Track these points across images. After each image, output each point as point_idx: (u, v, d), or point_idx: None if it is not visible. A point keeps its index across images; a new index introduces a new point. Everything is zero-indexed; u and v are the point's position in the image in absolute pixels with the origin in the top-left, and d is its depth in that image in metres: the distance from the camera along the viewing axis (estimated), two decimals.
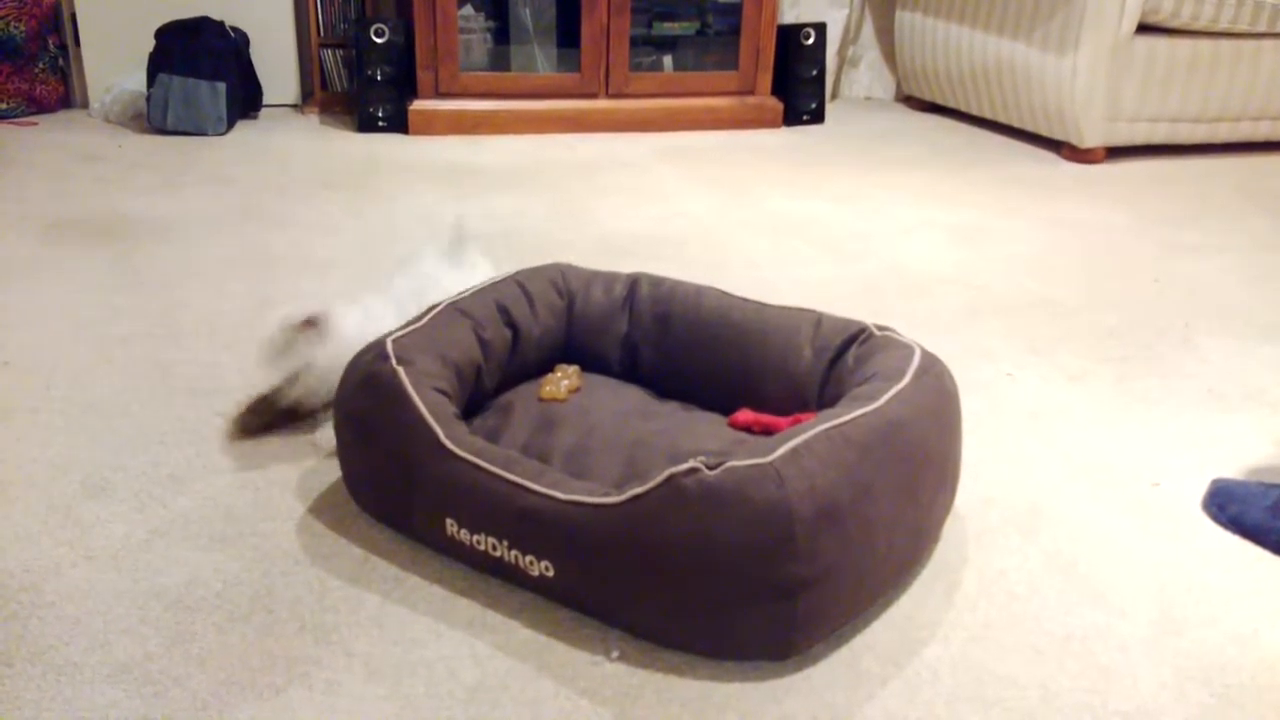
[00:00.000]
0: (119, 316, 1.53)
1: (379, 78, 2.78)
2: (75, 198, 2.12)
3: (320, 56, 3.01)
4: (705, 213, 2.18)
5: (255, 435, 1.17)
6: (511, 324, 1.20)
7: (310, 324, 1.14)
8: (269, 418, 1.18)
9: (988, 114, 3.06)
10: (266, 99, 3.02)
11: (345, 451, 1.04)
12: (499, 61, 2.97)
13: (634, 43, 2.96)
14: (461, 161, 2.56)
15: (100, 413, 1.23)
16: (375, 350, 1.05)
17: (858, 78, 3.65)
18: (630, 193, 2.32)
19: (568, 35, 2.94)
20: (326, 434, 1.14)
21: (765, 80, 3.07)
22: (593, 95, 2.95)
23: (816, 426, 0.88)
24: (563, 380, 1.19)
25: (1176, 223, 2.23)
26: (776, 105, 3.10)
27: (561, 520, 0.86)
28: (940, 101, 3.29)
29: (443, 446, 0.93)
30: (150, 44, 2.71)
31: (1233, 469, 1.19)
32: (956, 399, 1.02)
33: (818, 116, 3.18)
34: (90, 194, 2.15)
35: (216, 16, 2.81)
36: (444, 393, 1.03)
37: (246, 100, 2.90)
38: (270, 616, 0.89)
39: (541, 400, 1.17)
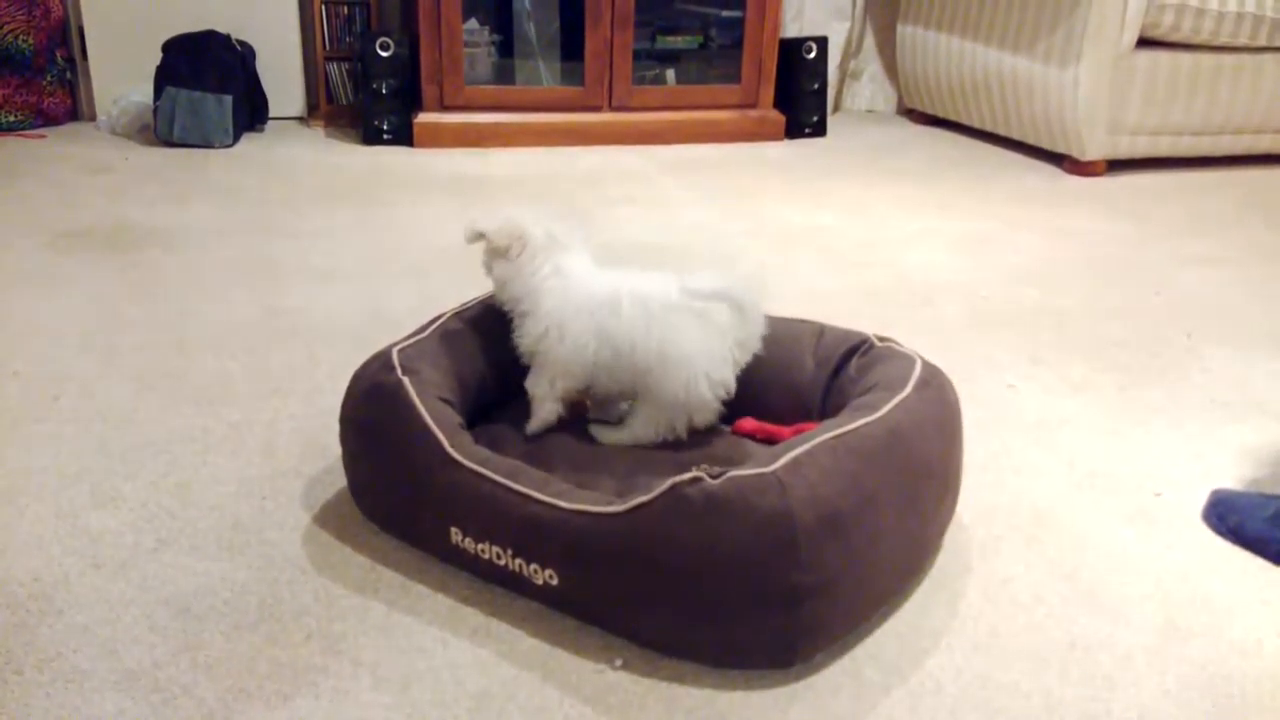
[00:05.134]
0: (127, 326, 1.54)
1: (384, 91, 2.80)
2: (83, 209, 2.14)
3: (326, 69, 3.03)
4: (708, 224, 2.19)
5: None
6: None
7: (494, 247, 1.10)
8: None
9: (989, 127, 3.07)
10: (272, 111, 3.04)
11: (351, 461, 1.05)
12: (503, 75, 2.99)
13: (637, 56, 2.98)
14: (466, 174, 2.57)
15: (108, 422, 1.24)
16: (380, 360, 1.05)
17: (859, 91, 3.67)
18: (634, 204, 2.33)
19: (571, 49, 2.96)
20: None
21: (767, 93, 3.09)
22: (596, 108, 2.97)
23: (819, 436, 0.89)
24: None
25: (1178, 234, 2.24)
26: (779, 118, 3.12)
27: (565, 529, 0.87)
28: (942, 114, 3.31)
29: (448, 456, 0.94)
30: (157, 57, 2.74)
31: (1234, 479, 1.19)
32: (958, 409, 1.03)
33: (820, 129, 3.20)
34: (98, 205, 2.17)
35: (223, 30, 2.84)
36: (448, 402, 1.04)
37: (253, 113, 2.92)
38: (277, 625, 0.89)
39: None
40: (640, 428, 1.11)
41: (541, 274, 1.09)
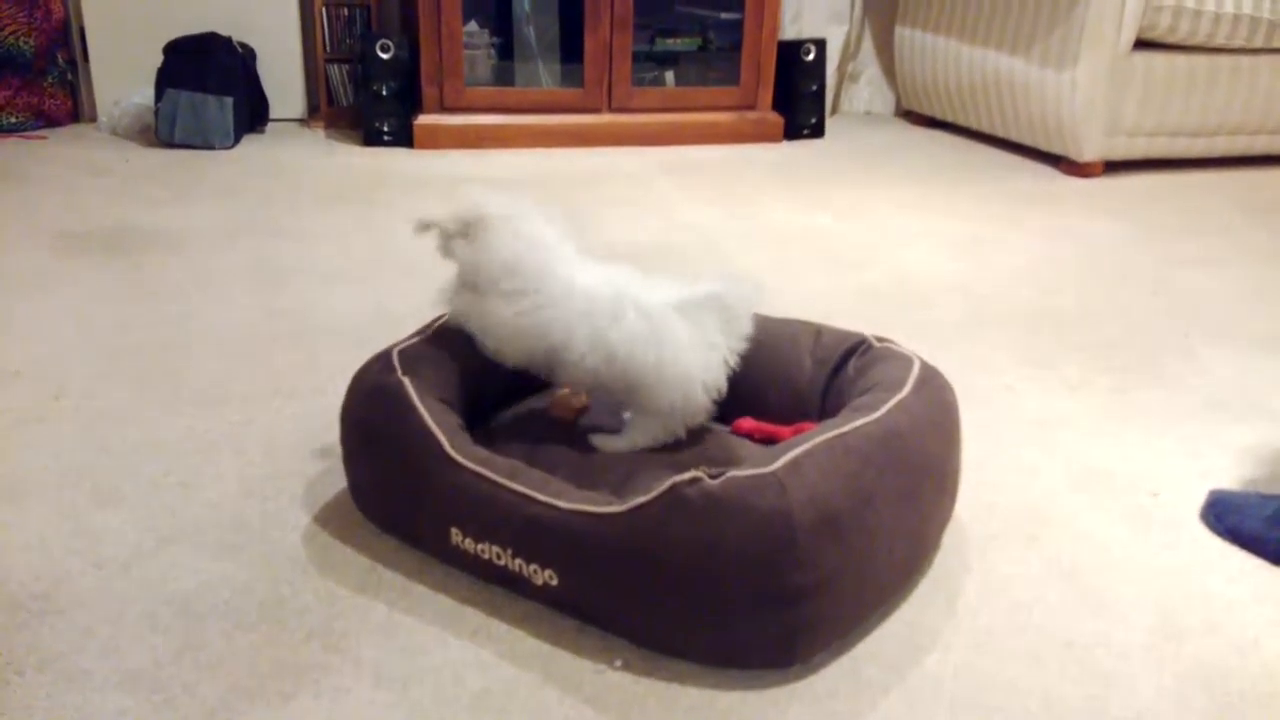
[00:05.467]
0: (128, 327, 1.55)
1: (384, 93, 2.81)
2: (84, 210, 2.14)
3: (326, 71, 3.04)
4: (707, 225, 2.20)
5: None
6: None
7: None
8: None
9: (987, 129, 3.08)
10: (273, 113, 3.04)
11: (351, 461, 1.05)
12: (503, 77, 2.99)
13: (636, 58, 2.98)
14: (466, 175, 2.58)
15: (110, 422, 1.25)
16: (381, 361, 1.06)
17: (858, 93, 3.68)
18: (633, 206, 2.34)
19: (571, 51, 2.96)
20: (601, 440, 1.12)
21: (766, 95, 3.10)
22: (596, 110, 2.97)
23: (818, 436, 0.89)
24: (568, 399, 1.20)
25: (1175, 235, 2.25)
26: (777, 120, 3.12)
27: (565, 529, 0.87)
28: (940, 116, 3.31)
29: (448, 457, 0.94)
30: (158, 59, 2.74)
31: (1231, 479, 1.20)
32: (956, 409, 1.03)
33: (818, 131, 3.21)
34: (99, 207, 2.17)
35: (224, 32, 2.84)
36: (449, 403, 1.04)
37: (253, 115, 2.92)
38: (278, 624, 0.90)
39: (551, 415, 1.19)
40: (639, 435, 1.11)
41: (524, 249, 1.05)
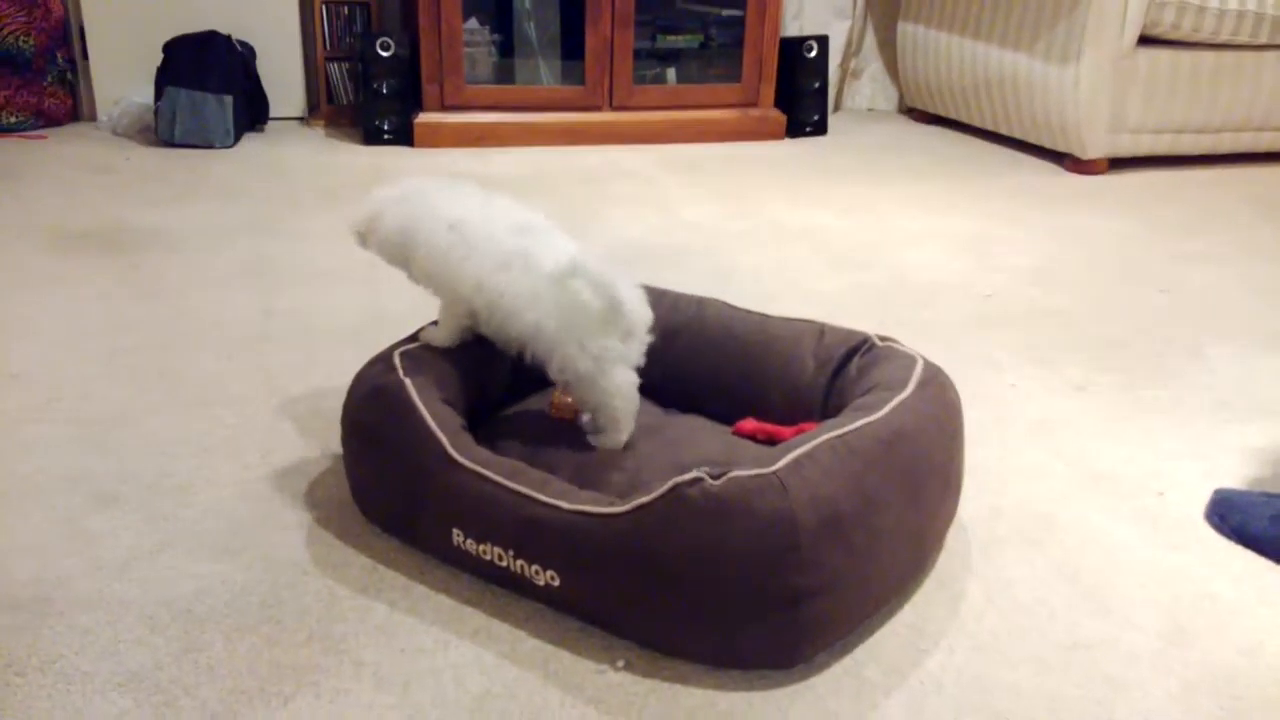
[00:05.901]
0: (126, 327, 1.54)
1: (384, 91, 2.80)
2: (83, 210, 2.14)
3: (326, 70, 3.03)
4: (708, 223, 2.19)
5: None
6: None
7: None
8: None
9: (990, 126, 3.07)
10: (273, 112, 3.04)
11: (352, 462, 1.05)
12: (504, 74, 2.98)
13: (638, 55, 2.98)
14: (467, 173, 2.57)
15: (108, 423, 1.24)
16: (383, 362, 1.05)
17: (860, 89, 3.67)
18: (634, 204, 2.33)
19: (572, 48, 2.95)
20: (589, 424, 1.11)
21: (768, 92, 3.09)
22: (597, 108, 2.96)
23: (820, 436, 0.88)
24: (566, 399, 1.20)
25: (1181, 233, 2.24)
26: (779, 117, 3.11)
27: (567, 530, 0.87)
28: (943, 113, 3.30)
29: (449, 457, 0.94)
30: (158, 57, 2.73)
31: (1238, 479, 1.19)
32: (959, 409, 1.03)
33: (820, 128, 3.20)
34: (98, 206, 2.17)
35: (224, 30, 2.84)
36: (451, 403, 1.04)
37: (253, 113, 2.92)
38: (278, 626, 0.89)
39: (551, 416, 1.18)
40: (606, 419, 1.08)
41: (410, 212, 1.11)
